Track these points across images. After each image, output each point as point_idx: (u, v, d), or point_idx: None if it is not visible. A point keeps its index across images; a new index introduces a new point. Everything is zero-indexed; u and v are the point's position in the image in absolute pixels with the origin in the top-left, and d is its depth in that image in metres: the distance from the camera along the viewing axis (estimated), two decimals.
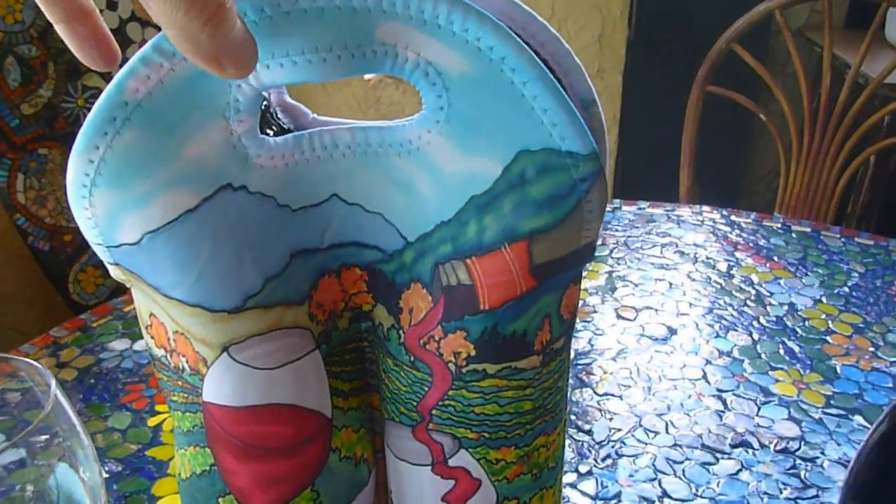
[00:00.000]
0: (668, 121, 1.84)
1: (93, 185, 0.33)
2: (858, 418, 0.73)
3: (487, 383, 0.38)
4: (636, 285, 0.96)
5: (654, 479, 0.66)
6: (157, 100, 0.32)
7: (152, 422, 0.74)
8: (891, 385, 0.77)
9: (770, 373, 0.80)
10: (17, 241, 1.50)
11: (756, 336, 0.86)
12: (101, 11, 0.37)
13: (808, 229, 1.10)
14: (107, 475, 0.67)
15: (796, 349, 0.83)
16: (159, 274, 0.35)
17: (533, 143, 0.33)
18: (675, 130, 1.66)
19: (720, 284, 0.96)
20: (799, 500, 0.64)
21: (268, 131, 0.36)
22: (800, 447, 0.69)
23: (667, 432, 0.72)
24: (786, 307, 0.91)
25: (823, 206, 1.62)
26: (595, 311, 0.91)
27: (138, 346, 0.85)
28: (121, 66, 0.32)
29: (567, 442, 0.61)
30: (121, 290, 1.47)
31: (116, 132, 0.32)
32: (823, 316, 0.89)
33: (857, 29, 1.86)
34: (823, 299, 0.93)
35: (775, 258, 1.02)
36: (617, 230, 1.11)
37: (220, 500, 0.40)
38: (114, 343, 0.86)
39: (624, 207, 1.17)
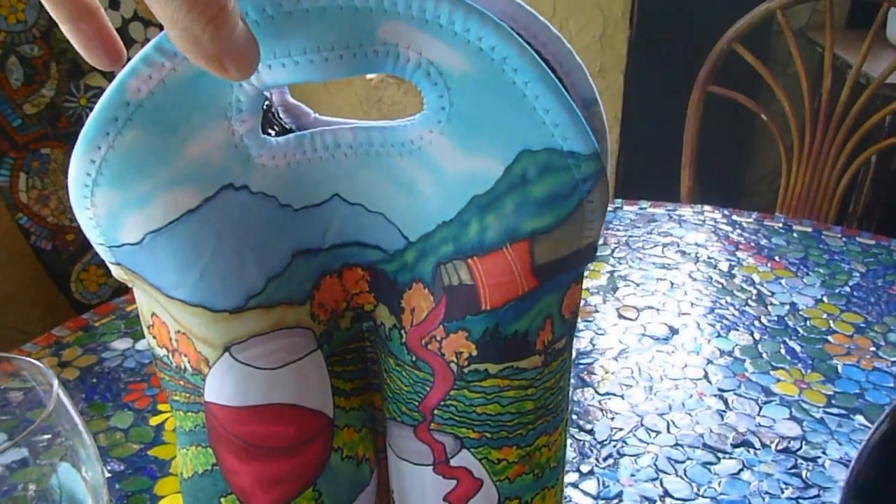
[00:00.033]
0: (670, 121, 1.84)
1: (94, 184, 0.33)
2: (860, 418, 0.73)
3: (489, 383, 0.38)
4: (638, 285, 0.96)
5: (656, 478, 0.66)
6: (159, 99, 0.32)
7: (154, 421, 0.74)
8: (892, 385, 0.77)
9: (771, 372, 0.80)
10: (20, 241, 1.51)
11: (757, 336, 0.86)
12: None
13: (810, 229, 1.10)
14: (109, 474, 0.67)
15: (797, 349, 0.83)
16: (161, 274, 0.35)
17: (535, 144, 0.33)
18: (676, 130, 1.66)
19: (721, 284, 0.96)
20: (800, 500, 0.64)
21: (269, 131, 0.36)
22: (801, 447, 0.69)
23: (668, 432, 0.72)
24: (787, 307, 0.91)
25: (825, 206, 1.62)
26: (597, 311, 0.91)
27: (140, 345, 0.85)
28: (123, 65, 0.32)
29: (569, 441, 0.61)
30: (123, 289, 1.47)
31: (118, 132, 0.32)
32: (825, 316, 0.89)
33: (859, 29, 1.86)
34: (825, 299, 0.93)
35: (776, 258, 1.02)
36: (618, 230, 1.11)
37: (222, 499, 0.40)
38: (116, 342, 0.86)
39: (625, 207, 1.17)
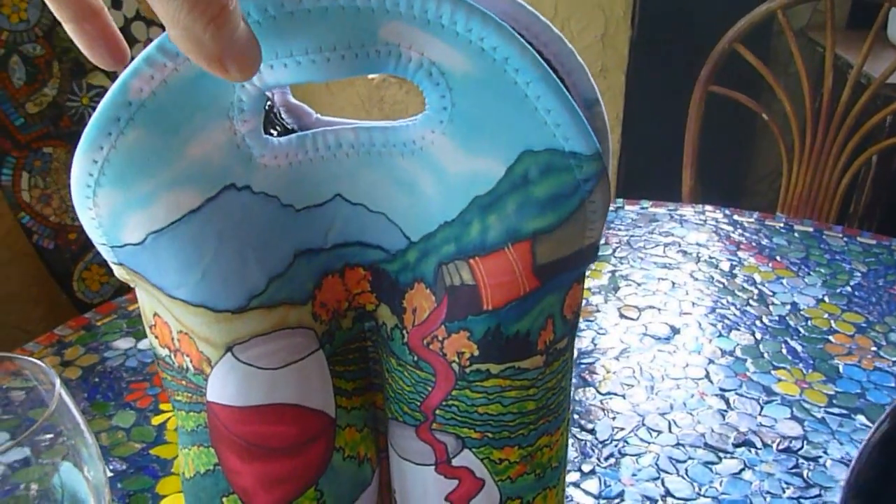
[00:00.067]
0: (671, 120, 1.83)
1: (97, 185, 0.33)
2: (861, 418, 0.73)
3: (491, 383, 0.38)
4: (639, 284, 0.96)
5: (657, 478, 0.66)
6: (161, 100, 0.32)
7: (156, 420, 0.74)
8: (893, 384, 0.77)
9: (772, 372, 0.80)
10: (22, 240, 1.51)
11: (759, 335, 0.86)
12: None
13: (811, 229, 1.10)
14: (111, 474, 0.68)
15: (799, 349, 0.83)
16: (163, 274, 0.35)
17: (536, 144, 0.33)
18: (677, 130, 1.66)
19: (723, 284, 0.96)
20: (801, 500, 0.64)
21: (271, 131, 0.36)
22: (802, 446, 0.69)
23: (670, 431, 0.72)
24: (788, 307, 0.91)
25: (826, 206, 1.62)
26: (598, 311, 0.91)
27: (142, 344, 0.85)
28: (127, 65, 0.32)
29: (570, 441, 0.61)
30: (125, 288, 1.47)
31: (120, 132, 0.32)
32: (826, 315, 0.89)
33: (860, 29, 1.86)
34: (826, 299, 0.93)
35: (778, 258, 1.02)
36: (620, 229, 1.11)
37: (224, 499, 0.41)
38: (118, 342, 0.86)
39: (627, 207, 1.17)
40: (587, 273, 0.48)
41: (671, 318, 0.89)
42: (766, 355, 0.82)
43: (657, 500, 0.64)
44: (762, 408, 0.75)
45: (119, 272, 0.37)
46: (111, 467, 0.68)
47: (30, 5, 1.40)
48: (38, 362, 0.41)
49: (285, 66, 0.32)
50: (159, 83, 0.32)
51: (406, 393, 0.40)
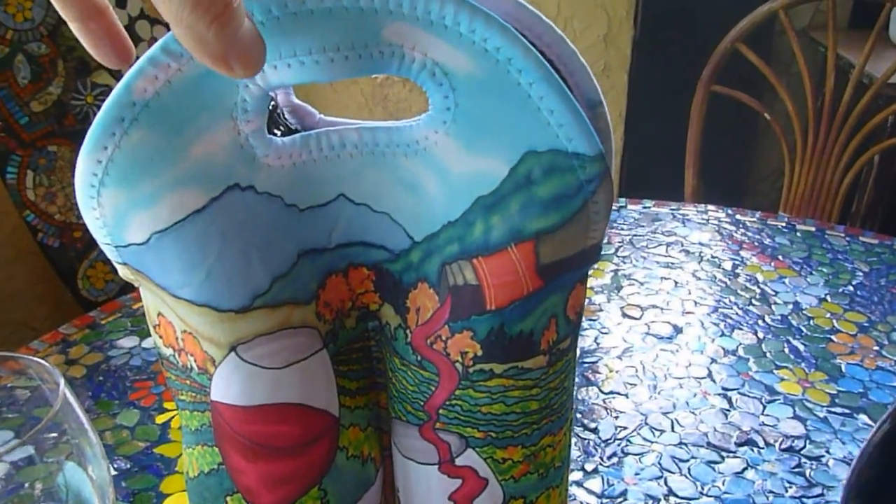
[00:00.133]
0: (673, 120, 1.84)
1: (101, 184, 0.33)
2: (863, 417, 0.73)
3: (494, 383, 0.38)
4: (642, 284, 0.97)
5: (660, 477, 0.66)
6: (165, 100, 0.32)
7: (160, 419, 0.74)
8: (895, 384, 0.77)
9: (775, 371, 0.80)
10: (27, 238, 1.51)
11: (761, 335, 0.86)
12: None
13: (813, 228, 1.10)
14: (115, 472, 0.68)
15: (801, 348, 0.83)
16: (167, 274, 0.35)
17: (539, 144, 0.33)
18: (680, 129, 1.66)
19: (725, 283, 0.96)
20: (804, 499, 0.64)
21: (275, 131, 0.37)
22: (805, 446, 0.69)
23: (672, 431, 0.72)
24: (790, 306, 0.91)
25: (828, 206, 1.62)
26: (601, 310, 0.91)
27: (147, 343, 0.85)
28: (131, 64, 0.32)
29: (573, 440, 0.61)
30: (130, 286, 1.48)
31: (124, 132, 0.32)
32: (828, 315, 0.89)
33: (861, 29, 1.86)
34: (828, 298, 0.93)
35: (780, 257, 1.02)
36: (622, 229, 1.11)
37: (228, 498, 0.41)
38: (122, 340, 0.86)
39: (629, 206, 1.17)
40: (590, 272, 0.48)
41: (674, 318, 0.89)
42: (768, 355, 0.82)
43: (660, 500, 0.64)
44: (765, 407, 0.75)
45: (123, 272, 0.37)
46: (115, 466, 0.68)
47: (35, 4, 1.41)
48: (43, 362, 0.41)
49: (289, 67, 0.32)
50: (163, 84, 0.32)
51: (409, 392, 0.40)
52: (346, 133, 0.35)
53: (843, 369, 0.80)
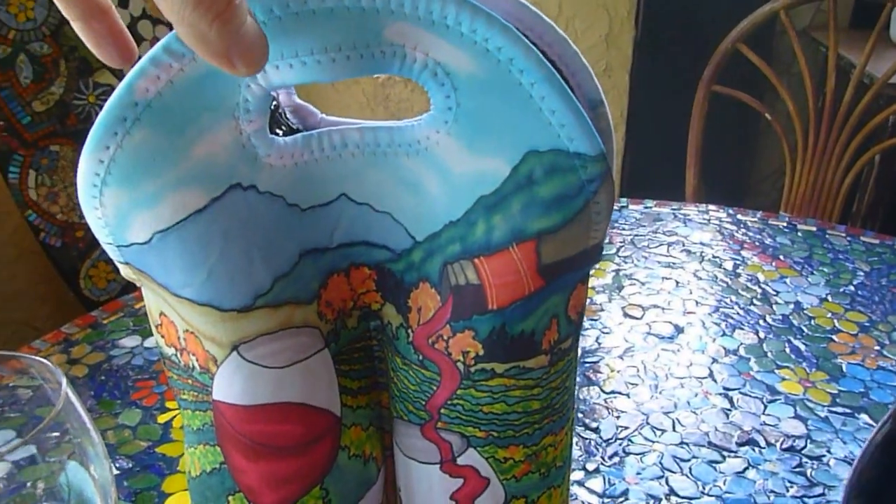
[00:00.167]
0: (675, 120, 1.84)
1: (103, 184, 0.33)
2: (864, 416, 0.73)
3: (496, 382, 0.38)
4: (643, 283, 0.97)
5: (662, 476, 0.66)
6: (167, 100, 0.32)
7: (162, 419, 0.74)
8: None
9: (776, 371, 0.80)
10: (29, 238, 1.51)
11: (762, 335, 0.86)
12: None
13: (814, 228, 1.10)
14: (117, 472, 0.68)
15: (802, 348, 0.83)
16: (169, 273, 0.35)
17: (541, 144, 0.33)
18: (681, 129, 1.66)
19: (726, 283, 0.97)
20: (805, 499, 0.64)
21: (277, 131, 0.37)
22: (806, 445, 0.69)
23: (674, 430, 0.72)
24: (792, 306, 0.91)
25: (829, 205, 1.62)
26: (602, 310, 0.91)
27: (149, 342, 0.86)
28: (134, 64, 0.32)
29: (574, 440, 0.61)
30: (132, 286, 1.48)
31: (126, 132, 0.32)
32: (829, 315, 0.89)
33: (862, 29, 1.86)
34: (829, 298, 0.93)
35: (781, 257, 1.03)
36: (624, 228, 1.11)
37: (230, 498, 0.41)
38: (124, 340, 0.86)
39: (631, 206, 1.17)
40: (591, 272, 0.48)
41: (675, 317, 0.89)
42: (769, 354, 0.82)
43: (661, 499, 0.64)
44: (766, 407, 0.75)
45: (125, 271, 0.37)
46: (117, 465, 0.68)
47: (37, 4, 1.41)
48: (45, 361, 0.41)
49: (291, 67, 0.32)
50: (165, 84, 0.32)
51: (411, 392, 0.40)
52: (348, 133, 0.35)
53: (844, 369, 0.80)
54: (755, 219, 1.13)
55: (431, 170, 0.35)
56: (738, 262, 1.01)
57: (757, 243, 1.06)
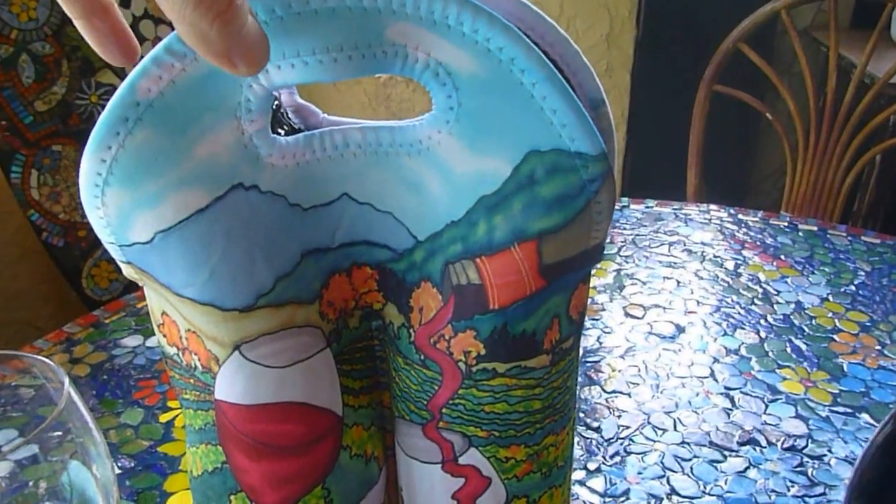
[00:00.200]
0: (676, 119, 1.84)
1: (105, 184, 0.33)
2: (865, 416, 0.73)
3: (497, 382, 0.38)
4: (644, 283, 0.97)
5: (663, 476, 0.66)
6: (169, 100, 0.32)
7: (164, 418, 0.74)
8: None
9: (777, 371, 0.80)
10: (32, 237, 1.52)
11: (763, 334, 0.86)
12: None
13: (815, 228, 1.10)
14: (119, 471, 0.68)
15: (803, 347, 0.83)
16: (171, 273, 0.35)
17: (542, 144, 0.33)
18: (682, 129, 1.66)
19: (727, 283, 0.97)
20: (806, 498, 0.64)
21: (279, 131, 0.37)
22: (807, 445, 0.70)
23: (675, 430, 0.72)
24: (793, 305, 0.91)
25: (830, 205, 1.62)
26: (603, 309, 0.91)
27: (151, 342, 0.86)
28: (136, 63, 0.32)
29: (576, 439, 0.61)
30: (134, 285, 1.48)
31: (128, 132, 0.32)
32: (830, 314, 0.89)
33: (863, 29, 1.86)
34: (830, 298, 0.93)
35: (782, 257, 1.03)
36: (625, 228, 1.11)
37: (232, 497, 0.41)
38: (126, 339, 0.86)
39: (632, 206, 1.17)
40: (592, 271, 0.48)
41: (676, 317, 0.89)
42: (770, 354, 0.82)
43: (662, 499, 0.64)
44: (767, 406, 0.75)
45: (127, 271, 0.37)
46: (119, 465, 0.68)
47: (39, 4, 1.41)
48: (47, 360, 0.41)
49: (292, 67, 0.32)
50: (167, 83, 0.32)
51: (413, 391, 0.40)
52: (350, 133, 0.35)
53: (845, 369, 0.80)
54: (756, 218, 1.13)
55: (433, 169, 0.35)
56: (739, 262, 1.01)
57: (758, 243, 1.06)
